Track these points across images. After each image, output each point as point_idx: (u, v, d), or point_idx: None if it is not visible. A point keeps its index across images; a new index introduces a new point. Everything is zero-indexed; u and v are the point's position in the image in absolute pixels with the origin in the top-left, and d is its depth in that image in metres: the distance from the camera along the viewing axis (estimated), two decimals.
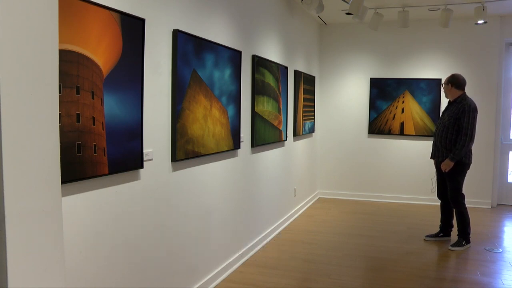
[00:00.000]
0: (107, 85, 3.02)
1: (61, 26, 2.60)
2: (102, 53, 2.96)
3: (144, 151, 3.52)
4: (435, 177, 6.61)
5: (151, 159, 3.68)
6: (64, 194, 2.74)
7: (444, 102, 8.26)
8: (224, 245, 5.14)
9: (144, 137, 3.52)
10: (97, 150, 2.94)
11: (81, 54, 2.76)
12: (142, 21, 3.40)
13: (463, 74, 6.49)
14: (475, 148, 6.12)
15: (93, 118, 2.89)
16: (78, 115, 2.76)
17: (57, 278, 1.48)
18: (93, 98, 2.88)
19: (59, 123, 2.59)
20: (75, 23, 2.72)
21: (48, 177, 1.42)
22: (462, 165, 6.13)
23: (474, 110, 6.07)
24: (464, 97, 6.18)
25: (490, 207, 8.75)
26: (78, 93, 2.75)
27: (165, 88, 3.87)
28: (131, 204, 3.46)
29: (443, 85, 6.31)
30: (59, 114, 2.59)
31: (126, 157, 3.28)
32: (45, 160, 1.43)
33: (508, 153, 9.09)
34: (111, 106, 3.08)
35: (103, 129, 2.99)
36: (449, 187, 6.21)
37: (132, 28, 3.29)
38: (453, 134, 6.07)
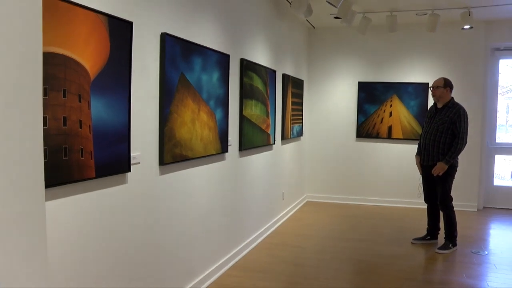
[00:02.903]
0: (95, 88, 3.01)
1: (48, 29, 2.59)
2: (90, 56, 2.95)
3: (131, 154, 3.50)
4: (421, 181, 6.64)
5: (139, 163, 3.66)
6: (50, 198, 2.72)
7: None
8: (212, 248, 5.12)
9: (132, 141, 3.50)
10: (84, 153, 2.92)
11: (68, 57, 2.75)
12: (130, 24, 3.39)
13: (449, 78, 6.52)
14: (462, 151, 6.15)
15: (80, 121, 2.87)
16: (64, 118, 2.74)
17: (40, 283, 1.47)
18: (80, 101, 2.86)
19: (46, 126, 2.59)
20: (62, 26, 2.70)
21: (31, 181, 1.41)
22: (453, 168, 6.19)
23: (467, 114, 6.13)
24: (454, 101, 6.22)
25: (476, 210, 8.80)
26: (65, 96, 2.73)
27: (153, 92, 3.85)
28: (118, 208, 3.44)
29: (439, 88, 6.24)
30: (46, 117, 2.59)
31: (113, 161, 3.27)
32: (28, 163, 1.41)
33: (494, 157, 9.17)
34: (98, 109, 3.06)
35: (90, 133, 2.97)
36: (440, 190, 6.23)
37: (119, 31, 3.28)
38: (447, 137, 6.10)
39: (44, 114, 2.57)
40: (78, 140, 2.87)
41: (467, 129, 6.12)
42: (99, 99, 3.06)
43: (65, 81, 2.74)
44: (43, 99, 2.55)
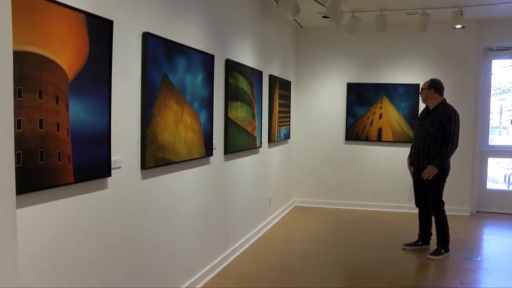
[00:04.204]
0: (73, 89, 2.97)
1: (22, 27, 2.56)
2: (67, 55, 2.91)
3: (112, 158, 3.47)
4: (412, 185, 6.63)
5: (120, 167, 3.63)
6: (26, 204, 2.68)
7: (422, 108, 8.32)
8: (197, 256, 5.09)
9: (112, 144, 3.47)
10: (61, 157, 2.88)
11: (44, 57, 2.71)
12: (110, 23, 3.36)
13: (441, 79, 6.52)
14: (454, 154, 6.16)
15: (58, 124, 2.83)
16: (41, 120, 2.70)
17: None
18: (57, 103, 2.82)
19: (20, 129, 2.54)
20: (37, 24, 2.67)
21: (0, 187, 1.37)
22: (444, 171, 6.20)
23: (458, 116, 6.14)
24: (446, 103, 6.24)
25: (469, 214, 8.84)
26: (41, 97, 2.69)
27: (134, 93, 3.82)
28: (98, 214, 3.40)
29: (423, 90, 6.33)
30: (20, 119, 2.55)
31: (93, 165, 3.23)
32: None
33: (487, 159, 9.21)
34: (77, 111, 3.03)
35: (68, 136, 2.93)
36: (431, 194, 6.25)
37: (99, 30, 3.24)
38: (436, 140, 6.11)
39: (18, 116, 2.54)
40: (55, 144, 2.83)
41: (458, 131, 6.14)
42: (77, 100, 3.02)
43: (41, 82, 2.70)
44: (18, 101, 2.52)
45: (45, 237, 2.88)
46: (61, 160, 2.89)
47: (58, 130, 2.84)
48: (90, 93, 3.17)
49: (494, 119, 9.44)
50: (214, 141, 5.37)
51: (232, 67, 5.84)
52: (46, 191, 2.84)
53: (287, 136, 8.86)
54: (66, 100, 2.91)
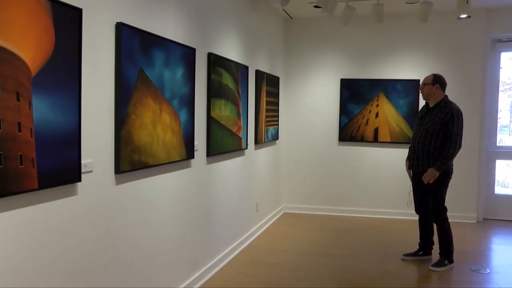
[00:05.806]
0: (37, 85, 2.91)
1: None
2: (29, 47, 2.84)
3: (82, 161, 3.41)
4: (411, 189, 6.59)
5: (91, 171, 3.57)
6: None
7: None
8: (176, 268, 5.04)
9: (83, 146, 3.42)
10: (24, 161, 2.81)
11: (2, 48, 2.64)
12: (78, 11, 3.29)
13: (444, 74, 6.50)
14: (457, 155, 6.12)
15: (19, 123, 2.77)
16: None
17: None
18: (18, 100, 2.75)
19: None
20: None
21: None
22: (447, 174, 6.17)
23: (462, 114, 6.11)
24: (448, 100, 6.20)
25: (475, 221, 8.84)
26: None
27: (107, 90, 3.77)
28: (67, 224, 3.34)
29: (426, 85, 6.26)
30: None
31: (60, 169, 3.17)
32: None
33: (494, 162, 9.19)
34: (42, 109, 2.96)
35: (31, 137, 2.87)
36: (432, 200, 6.21)
37: (66, 19, 3.18)
38: (437, 140, 6.08)
39: None
40: (16, 146, 2.76)
41: (462, 131, 6.11)
42: (42, 97, 2.96)
43: None
44: None
45: (4, 249, 2.81)
46: (23, 163, 2.82)
47: (19, 130, 2.78)
48: (57, 89, 3.11)
49: (503, 118, 9.42)
50: (195, 143, 5.32)
51: (215, 61, 5.80)
52: (5, 199, 2.77)
53: (276, 137, 8.82)
54: (29, 97, 2.84)
